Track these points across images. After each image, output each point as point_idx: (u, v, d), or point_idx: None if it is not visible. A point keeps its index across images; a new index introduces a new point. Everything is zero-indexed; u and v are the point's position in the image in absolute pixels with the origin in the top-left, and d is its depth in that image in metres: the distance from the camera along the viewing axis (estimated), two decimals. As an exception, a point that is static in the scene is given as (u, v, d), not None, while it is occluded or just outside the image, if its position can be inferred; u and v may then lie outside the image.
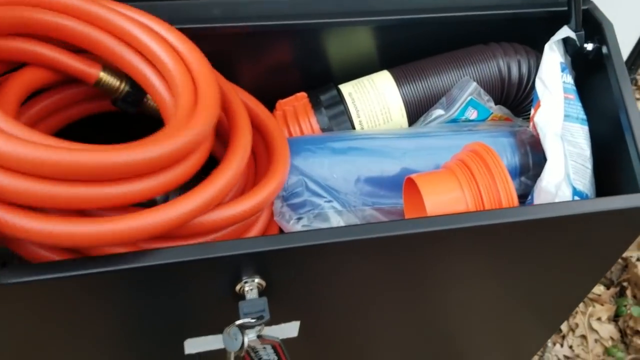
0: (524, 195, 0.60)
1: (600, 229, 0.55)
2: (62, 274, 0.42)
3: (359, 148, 0.60)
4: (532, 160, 0.62)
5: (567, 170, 0.56)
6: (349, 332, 0.66)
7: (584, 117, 0.61)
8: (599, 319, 1.22)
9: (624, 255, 1.29)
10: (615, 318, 1.23)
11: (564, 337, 1.20)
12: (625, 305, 1.22)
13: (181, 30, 0.61)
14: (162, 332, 0.54)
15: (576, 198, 0.55)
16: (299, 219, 0.55)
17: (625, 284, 1.26)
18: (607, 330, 1.21)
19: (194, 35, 0.62)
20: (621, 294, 1.26)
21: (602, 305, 1.24)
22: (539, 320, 0.77)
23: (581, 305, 1.24)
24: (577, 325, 1.21)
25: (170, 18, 0.61)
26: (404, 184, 0.58)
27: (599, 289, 1.26)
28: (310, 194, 0.56)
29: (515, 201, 0.52)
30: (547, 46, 0.62)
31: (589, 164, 0.59)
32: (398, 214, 0.59)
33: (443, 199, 0.53)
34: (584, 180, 0.57)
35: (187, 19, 0.62)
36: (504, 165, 0.53)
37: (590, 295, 1.25)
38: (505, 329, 0.76)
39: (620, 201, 0.51)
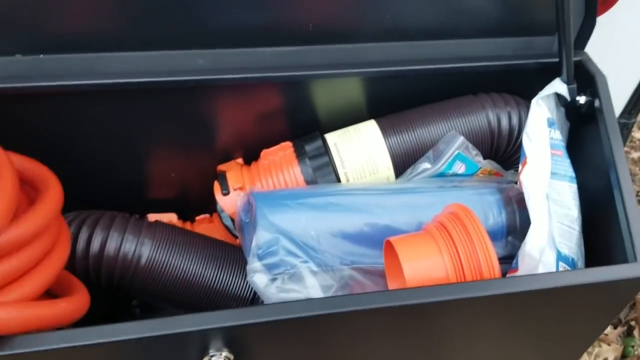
0: (511, 257, 0.58)
1: (585, 298, 0.52)
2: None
3: (339, 204, 0.59)
4: (519, 219, 0.60)
5: (551, 233, 0.54)
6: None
7: (573, 174, 0.59)
8: (605, 359, 1.18)
9: (632, 293, 1.26)
10: (622, 359, 1.19)
11: (569, 377, 1.17)
12: (632, 346, 1.19)
13: (169, 82, 0.60)
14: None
15: (561, 264, 0.53)
16: (273, 279, 0.54)
17: (632, 323, 1.22)
18: (614, 372, 1.17)
19: (179, 88, 0.62)
20: (628, 333, 1.22)
21: (608, 345, 1.20)
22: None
23: (587, 344, 1.21)
24: (583, 366, 1.18)
25: (157, 69, 0.61)
26: (384, 245, 0.56)
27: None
28: (285, 253, 0.55)
29: (496, 270, 0.50)
30: (533, 101, 0.60)
31: (576, 225, 0.56)
32: (378, 274, 0.58)
33: (422, 265, 0.52)
34: (570, 243, 0.55)
35: (173, 71, 0.61)
36: (484, 230, 0.51)
37: (596, 334, 1.21)
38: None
39: (604, 273, 0.49)
